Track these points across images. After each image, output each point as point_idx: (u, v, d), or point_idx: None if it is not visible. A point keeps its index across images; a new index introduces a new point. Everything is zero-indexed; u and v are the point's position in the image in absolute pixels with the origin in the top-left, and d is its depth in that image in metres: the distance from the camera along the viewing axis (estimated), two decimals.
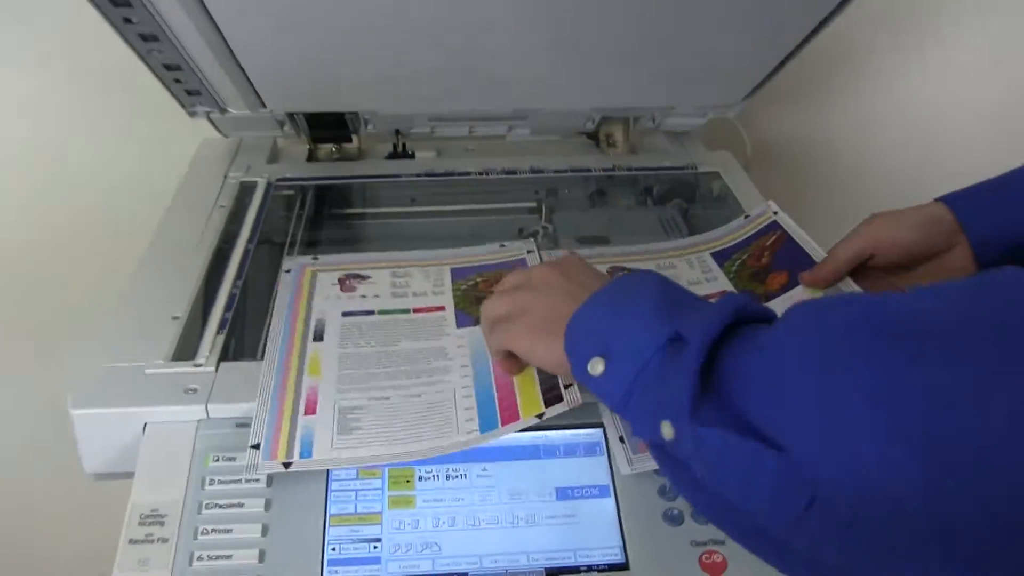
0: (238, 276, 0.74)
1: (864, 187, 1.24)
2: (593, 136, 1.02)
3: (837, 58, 1.14)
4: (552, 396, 0.59)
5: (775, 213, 0.80)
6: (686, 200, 0.95)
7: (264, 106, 0.84)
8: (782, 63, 0.83)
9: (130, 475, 0.59)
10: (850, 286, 0.67)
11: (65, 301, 1.10)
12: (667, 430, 0.44)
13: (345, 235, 0.92)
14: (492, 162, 0.94)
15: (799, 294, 0.70)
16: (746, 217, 0.82)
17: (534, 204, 0.95)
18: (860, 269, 0.68)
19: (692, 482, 0.46)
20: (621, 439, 0.59)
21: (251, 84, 0.79)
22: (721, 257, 0.79)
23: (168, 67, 0.75)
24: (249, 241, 0.79)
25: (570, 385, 0.59)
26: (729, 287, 0.74)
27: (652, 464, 0.57)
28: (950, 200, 0.67)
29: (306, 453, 0.56)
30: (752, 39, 0.78)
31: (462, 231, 0.93)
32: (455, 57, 0.76)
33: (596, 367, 0.49)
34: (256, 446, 0.56)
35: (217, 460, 0.58)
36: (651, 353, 0.46)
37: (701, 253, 0.80)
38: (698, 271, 0.77)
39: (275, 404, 0.59)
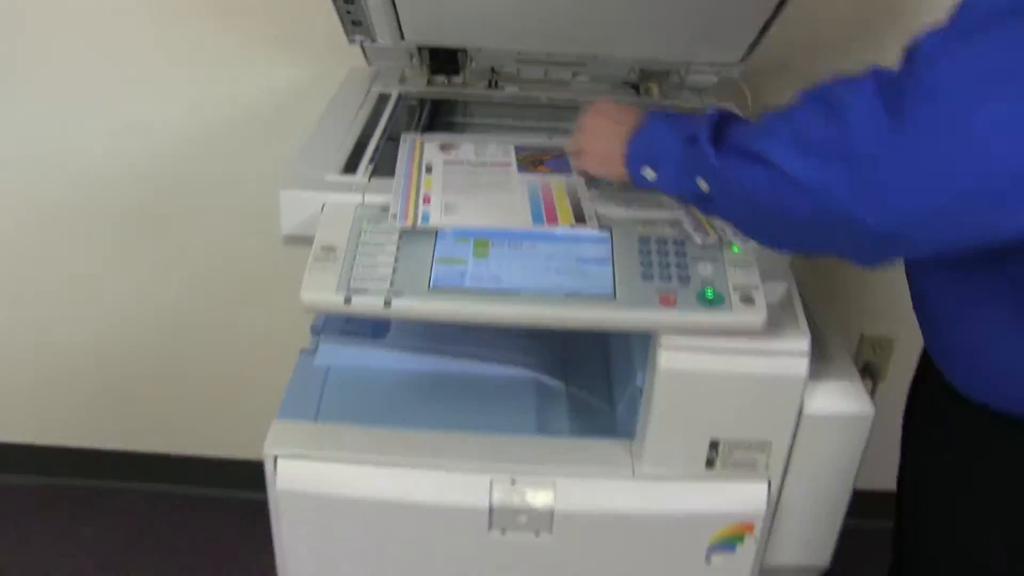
0: (378, 145, 1.11)
1: None
2: (635, 87, 1.37)
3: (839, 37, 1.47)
4: (578, 214, 0.95)
5: None
6: None
7: (403, 38, 1.22)
8: (765, 26, 1.17)
9: (310, 239, 0.96)
10: None
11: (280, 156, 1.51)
12: (703, 184, 0.82)
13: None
14: (555, 96, 1.31)
15: None
16: None
17: None
18: None
19: (719, 210, 0.85)
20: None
21: (397, 17, 1.16)
22: None
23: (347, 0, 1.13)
24: (384, 130, 1.16)
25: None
26: None
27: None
28: None
29: (425, 220, 0.92)
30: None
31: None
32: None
33: (649, 174, 0.88)
34: (394, 215, 0.93)
35: (367, 223, 0.95)
36: (680, 151, 0.84)
37: None
38: None
39: (404, 194, 0.96)
